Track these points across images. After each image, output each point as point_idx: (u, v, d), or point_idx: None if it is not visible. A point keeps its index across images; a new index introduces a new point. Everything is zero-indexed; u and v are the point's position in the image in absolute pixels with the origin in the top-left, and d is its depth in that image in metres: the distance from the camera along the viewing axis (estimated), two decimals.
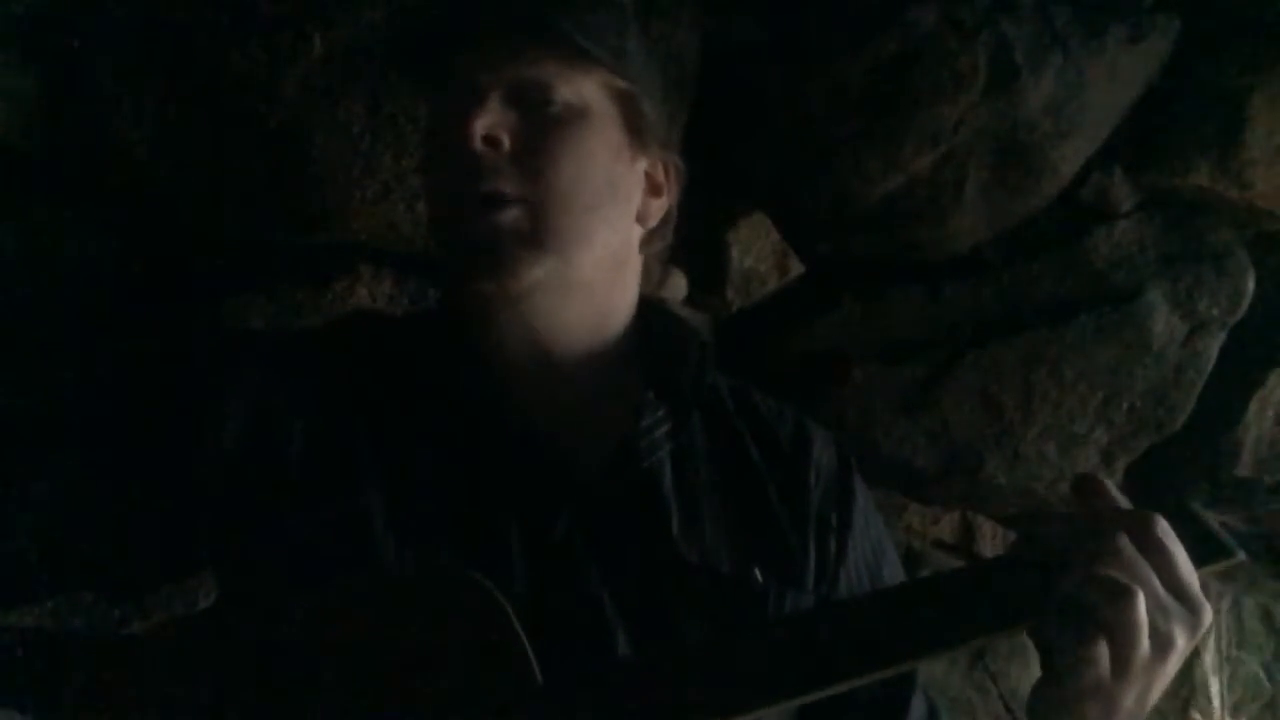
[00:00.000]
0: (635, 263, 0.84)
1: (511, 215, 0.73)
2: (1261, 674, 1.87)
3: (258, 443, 0.72)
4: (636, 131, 0.80)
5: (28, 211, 1.04)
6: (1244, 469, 1.51)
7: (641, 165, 0.82)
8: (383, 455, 0.73)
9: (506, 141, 0.74)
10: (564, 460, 0.75)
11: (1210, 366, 1.47)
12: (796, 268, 1.38)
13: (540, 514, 0.72)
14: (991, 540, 1.55)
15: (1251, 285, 1.46)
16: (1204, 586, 0.61)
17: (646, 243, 0.84)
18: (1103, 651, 0.57)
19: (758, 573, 0.74)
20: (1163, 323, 1.42)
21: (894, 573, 0.84)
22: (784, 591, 0.74)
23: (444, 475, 0.73)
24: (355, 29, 1.06)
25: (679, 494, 0.76)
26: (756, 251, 1.34)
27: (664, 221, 0.85)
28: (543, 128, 0.75)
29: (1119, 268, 1.42)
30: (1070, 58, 1.31)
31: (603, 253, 0.79)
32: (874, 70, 1.29)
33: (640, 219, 0.83)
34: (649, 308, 0.86)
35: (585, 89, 0.77)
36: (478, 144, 0.73)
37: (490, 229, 0.73)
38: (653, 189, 0.84)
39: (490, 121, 0.73)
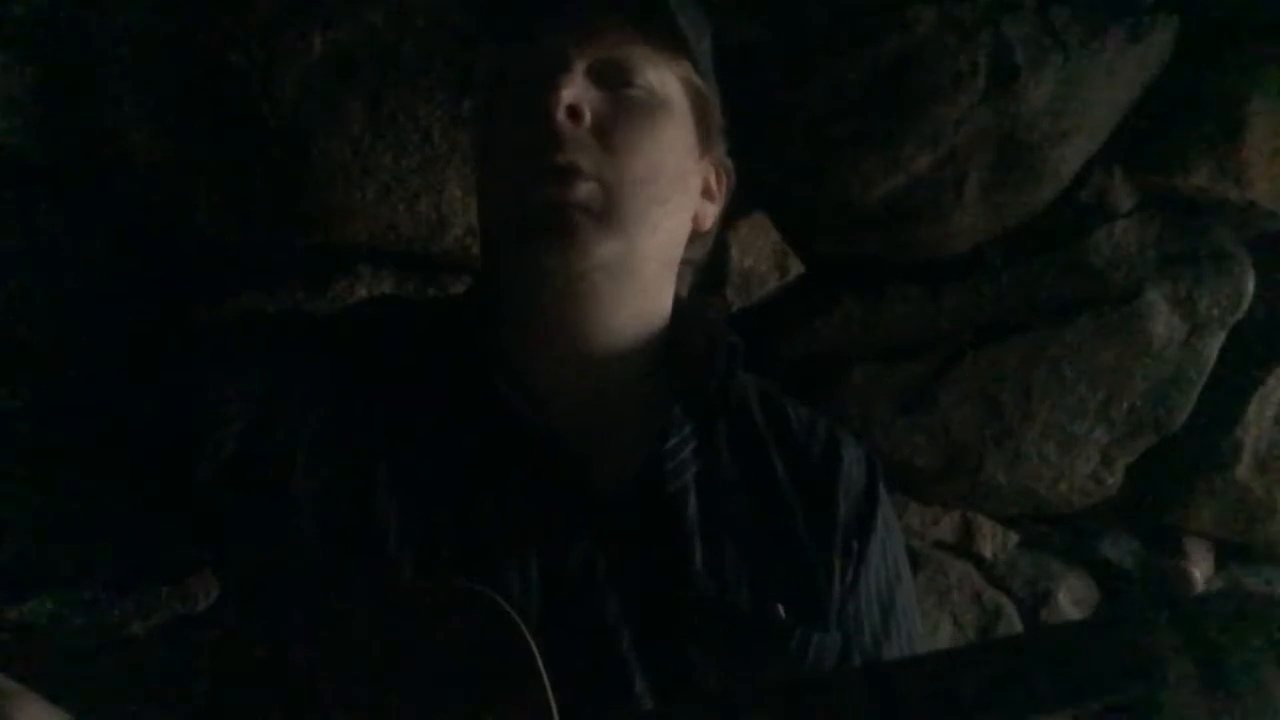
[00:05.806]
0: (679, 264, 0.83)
1: (586, 189, 0.72)
2: None
3: (262, 446, 0.70)
4: (705, 132, 0.80)
5: (28, 211, 1.04)
6: (1244, 469, 1.51)
7: (704, 167, 0.82)
8: (395, 461, 0.71)
9: (588, 116, 0.72)
10: (585, 477, 0.73)
11: (1210, 366, 1.46)
12: (796, 268, 1.38)
13: (557, 538, 0.70)
14: (991, 540, 1.54)
15: (1251, 285, 1.45)
16: None
17: (689, 246, 0.84)
18: None
19: (780, 609, 0.72)
20: (1163, 323, 1.42)
21: (907, 601, 0.81)
22: (808, 632, 0.72)
23: (461, 488, 0.71)
24: (355, 29, 1.06)
25: (702, 522, 0.74)
26: (756, 251, 1.34)
27: (710, 228, 0.85)
28: (625, 109, 0.74)
29: (1119, 268, 1.42)
30: (1070, 58, 1.31)
31: (664, 246, 0.79)
32: (874, 70, 1.29)
33: (696, 220, 0.83)
34: (683, 311, 0.85)
35: (667, 79, 0.76)
36: (561, 114, 0.71)
37: (563, 200, 0.71)
38: (707, 192, 0.84)
39: (575, 94, 0.72)
